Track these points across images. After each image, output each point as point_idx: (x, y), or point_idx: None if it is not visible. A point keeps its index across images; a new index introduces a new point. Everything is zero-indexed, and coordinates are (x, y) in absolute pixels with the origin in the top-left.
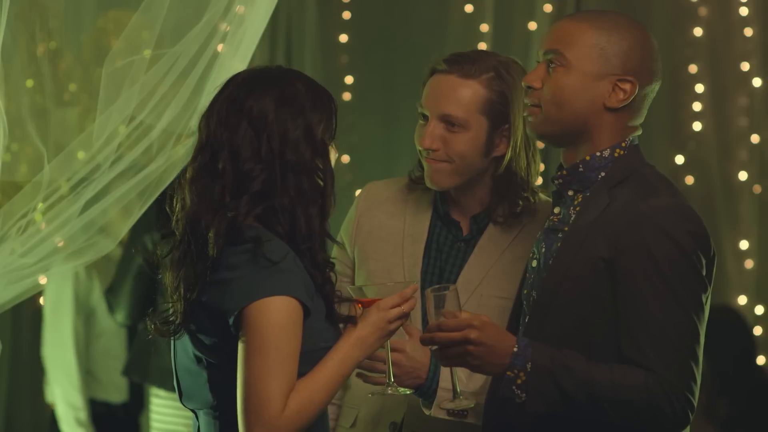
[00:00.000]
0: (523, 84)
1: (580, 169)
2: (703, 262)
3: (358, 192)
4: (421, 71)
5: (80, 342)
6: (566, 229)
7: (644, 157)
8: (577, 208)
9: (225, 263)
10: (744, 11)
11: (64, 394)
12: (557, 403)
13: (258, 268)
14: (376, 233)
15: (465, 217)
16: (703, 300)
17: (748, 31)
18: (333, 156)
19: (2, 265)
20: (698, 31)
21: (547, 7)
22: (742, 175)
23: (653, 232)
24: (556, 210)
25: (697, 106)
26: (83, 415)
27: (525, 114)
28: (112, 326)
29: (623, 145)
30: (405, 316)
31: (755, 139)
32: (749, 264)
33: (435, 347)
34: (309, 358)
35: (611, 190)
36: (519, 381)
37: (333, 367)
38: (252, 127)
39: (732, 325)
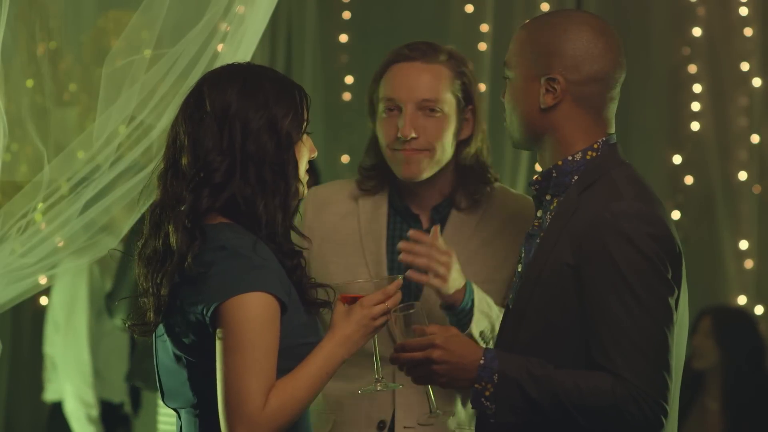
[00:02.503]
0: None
1: (554, 174)
2: (668, 264)
3: None
4: None
5: (93, 339)
6: (542, 234)
7: (620, 156)
8: (552, 213)
9: (199, 261)
10: (744, 11)
11: (76, 391)
12: (526, 412)
13: (233, 264)
14: (331, 236)
15: (425, 210)
16: (671, 303)
17: (748, 31)
18: (306, 149)
19: (2, 265)
20: (697, 31)
21: (547, 7)
22: (742, 175)
23: (614, 237)
24: (539, 214)
25: (696, 106)
26: (95, 412)
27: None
28: (118, 326)
29: (595, 146)
30: (389, 313)
31: (755, 139)
32: (749, 264)
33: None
34: (290, 354)
35: (580, 195)
36: (487, 393)
37: (317, 365)
38: (215, 119)
39: (742, 326)
